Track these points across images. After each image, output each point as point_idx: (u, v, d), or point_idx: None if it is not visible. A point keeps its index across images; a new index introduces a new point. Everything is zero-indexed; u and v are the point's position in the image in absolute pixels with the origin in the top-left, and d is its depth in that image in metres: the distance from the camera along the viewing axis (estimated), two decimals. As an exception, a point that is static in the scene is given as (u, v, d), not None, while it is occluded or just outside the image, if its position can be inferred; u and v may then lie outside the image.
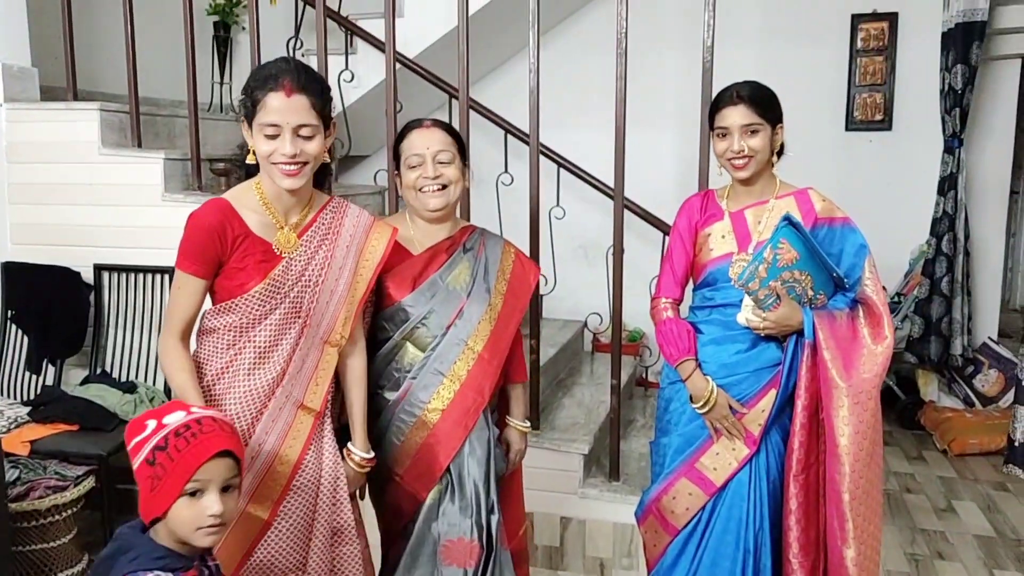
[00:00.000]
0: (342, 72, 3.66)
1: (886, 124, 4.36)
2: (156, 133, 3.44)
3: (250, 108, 1.62)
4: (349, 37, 3.94)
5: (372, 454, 1.84)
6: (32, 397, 3.02)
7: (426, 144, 1.90)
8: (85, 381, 3.01)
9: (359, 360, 1.84)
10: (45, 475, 2.56)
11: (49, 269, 3.11)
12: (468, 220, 2.81)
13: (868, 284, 1.96)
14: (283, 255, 1.67)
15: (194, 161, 3.14)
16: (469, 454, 1.87)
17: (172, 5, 3.19)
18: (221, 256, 1.63)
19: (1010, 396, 3.97)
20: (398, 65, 3.09)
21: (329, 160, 1.73)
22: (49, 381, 3.12)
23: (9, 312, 3.11)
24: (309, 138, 1.62)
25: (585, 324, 4.27)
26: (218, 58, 4.43)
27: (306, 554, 1.71)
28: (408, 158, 1.91)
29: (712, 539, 2.04)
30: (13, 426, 2.74)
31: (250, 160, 1.67)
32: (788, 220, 1.87)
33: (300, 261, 1.69)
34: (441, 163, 1.90)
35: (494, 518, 1.87)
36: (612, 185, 2.90)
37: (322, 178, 1.79)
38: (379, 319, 1.92)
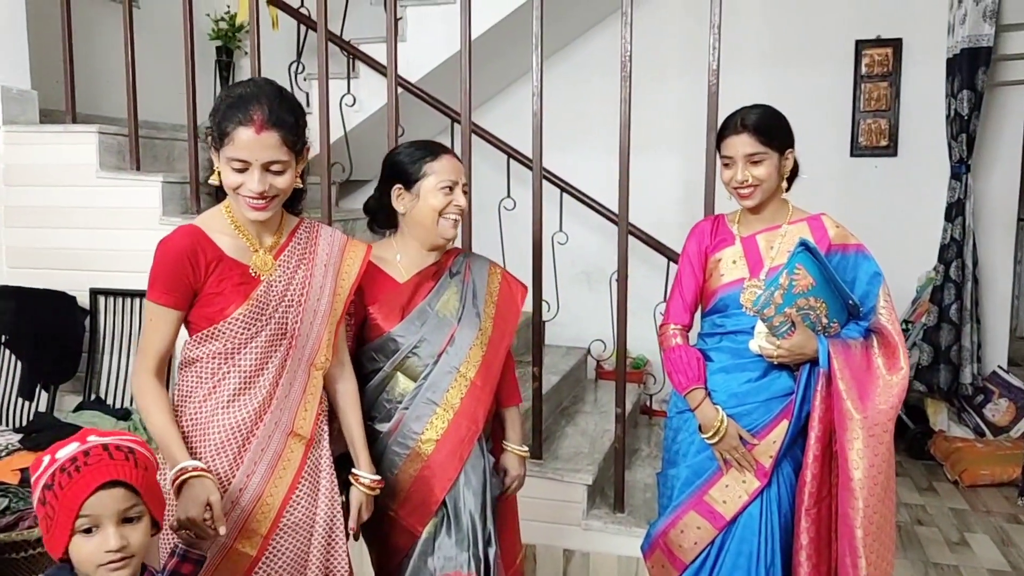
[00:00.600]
0: (344, 96, 3.66)
1: (891, 150, 4.33)
2: (155, 156, 3.41)
3: (217, 138, 1.53)
4: (351, 61, 3.93)
5: (379, 476, 1.78)
6: (24, 424, 2.96)
7: (459, 173, 1.89)
8: (79, 408, 2.96)
9: (350, 383, 1.78)
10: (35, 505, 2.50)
11: (44, 293, 3.06)
12: (471, 245, 2.78)
13: (883, 313, 1.91)
14: (261, 277, 1.60)
15: (193, 184, 3.11)
16: (464, 484, 1.81)
17: (174, 29, 3.18)
18: (195, 284, 1.55)
19: (1022, 426, 3.90)
20: (400, 89, 3.07)
21: (301, 185, 1.65)
22: (42, 407, 3.06)
23: (3, 337, 3.06)
24: (279, 174, 1.54)
25: (588, 351, 4.22)
26: (220, 82, 4.44)
27: None
28: (442, 180, 1.85)
29: (722, 574, 1.97)
30: (4, 454, 2.68)
31: (213, 181, 1.59)
32: (805, 245, 1.83)
33: (280, 282, 1.63)
34: (465, 194, 1.90)
35: (491, 550, 1.81)
36: (616, 210, 2.87)
37: (295, 202, 1.70)
38: (368, 350, 1.86)
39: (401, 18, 3.94)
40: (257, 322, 1.58)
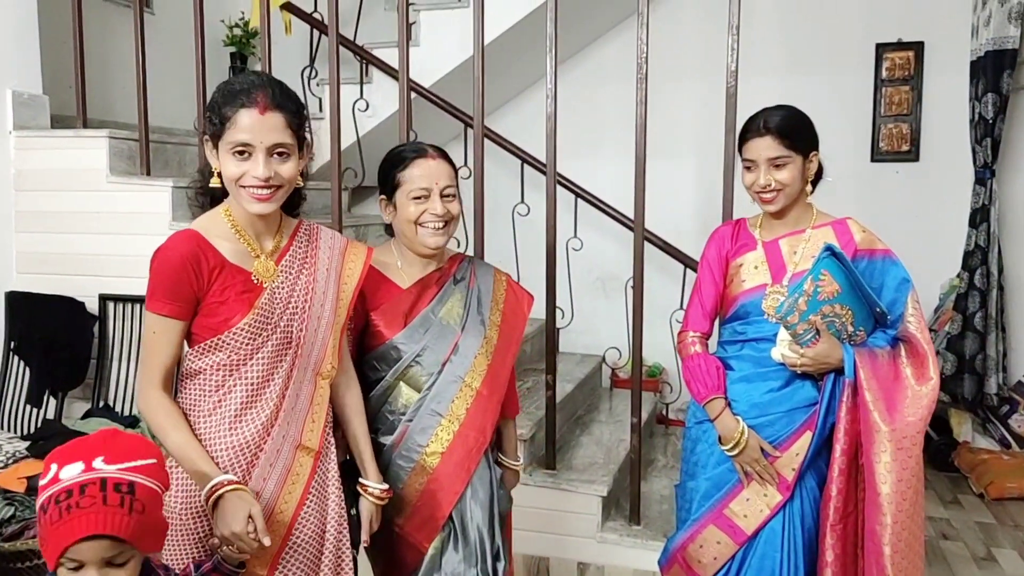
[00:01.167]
0: (356, 101, 3.63)
1: (913, 155, 4.25)
2: (166, 162, 3.40)
3: (217, 125, 1.47)
4: (364, 66, 3.91)
5: (387, 485, 1.73)
6: (32, 431, 2.94)
7: (435, 177, 1.78)
8: (87, 415, 2.94)
9: (355, 392, 1.73)
10: (40, 514, 2.47)
11: (53, 299, 3.05)
12: (483, 251, 2.73)
13: (911, 321, 1.85)
14: (264, 284, 1.54)
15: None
16: (472, 497, 1.76)
17: (187, 35, 3.17)
18: (198, 292, 1.48)
19: (1049, 438, 3.80)
20: (413, 94, 3.03)
21: (302, 184, 1.60)
22: (50, 414, 3.04)
23: (11, 343, 3.04)
24: (284, 160, 1.49)
25: (603, 359, 4.16)
26: (233, 88, 4.42)
27: None
28: (412, 190, 1.77)
29: (743, 591, 1.91)
30: (11, 461, 2.65)
31: (214, 183, 1.53)
32: (831, 251, 1.76)
33: (284, 289, 1.56)
34: (446, 197, 1.79)
35: (500, 565, 1.76)
36: (631, 216, 2.82)
37: (294, 204, 1.66)
38: (370, 359, 1.80)
39: (414, 22, 3.92)
40: (263, 332, 1.52)
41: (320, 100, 4.04)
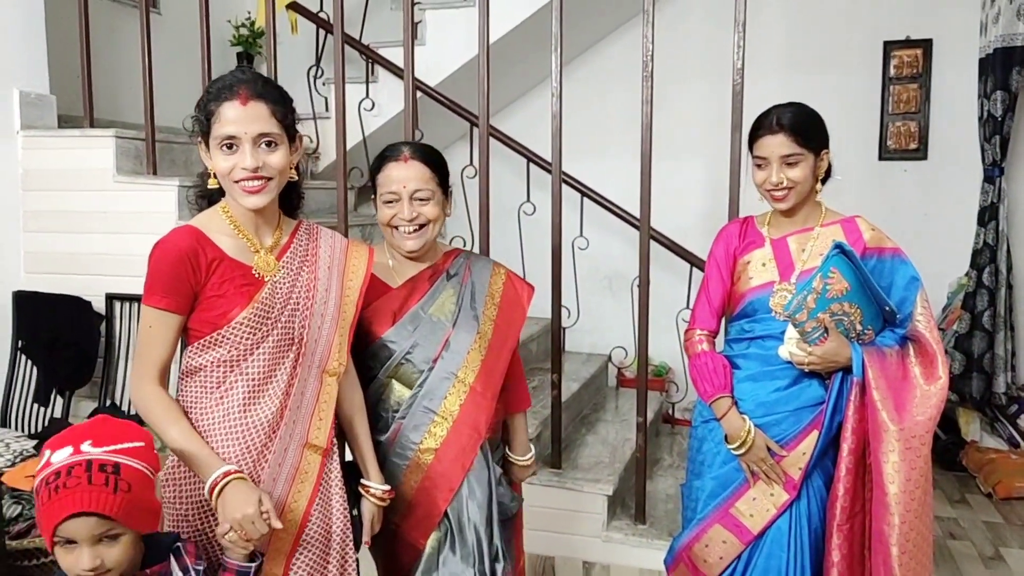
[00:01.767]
0: (362, 100, 3.62)
1: (921, 153, 4.23)
2: (172, 161, 3.40)
3: (204, 123, 1.48)
4: (370, 65, 3.91)
5: (389, 486, 1.72)
6: (39, 430, 2.95)
7: (403, 180, 1.74)
8: (94, 414, 2.94)
9: (356, 391, 1.72)
10: (47, 512, 2.48)
11: (60, 298, 3.06)
12: (489, 251, 2.72)
13: (920, 320, 1.83)
14: (265, 278, 1.53)
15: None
16: (469, 496, 1.74)
17: (193, 34, 3.18)
18: (196, 285, 1.47)
19: (1058, 437, 3.78)
20: (419, 93, 3.03)
21: (297, 179, 1.60)
22: (57, 413, 3.05)
23: (19, 342, 3.05)
24: (272, 149, 1.49)
25: (609, 358, 4.15)
26: (239, 88, 4.42)
27: None
28: (383, 194, 1.77)
29: (749, 591, 1.90)
30: (18, 459, 2.66)
31: (212, 184, 1.54)
32: (840, 248, 1.75)
33: (284, 284, 1.56)
34: (419, 200, 1.75)
35: (499, 566, 1.73)
36: (637, 215, 2.81)
37: (293, 205, 1.66)
38: (363, 359, 1.79)
39: (420, 21, 3.92)
40: (263, 326, 1.51)
41: (326, 99, 4.04)
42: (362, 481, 1.72)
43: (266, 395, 1.51)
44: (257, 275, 1.53)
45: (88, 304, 3.07)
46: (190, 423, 1.47)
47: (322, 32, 3.93)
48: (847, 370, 1.80)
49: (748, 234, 1.98)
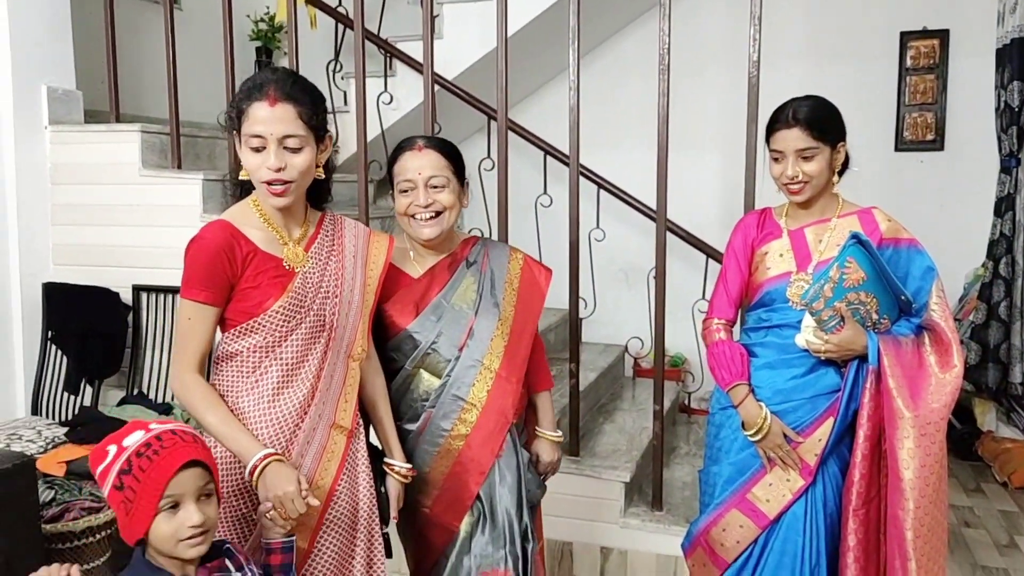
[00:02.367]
0: (381, 94, 3.67)
1: (938, 144, 4.22)
2: (197, 154, 3.46)
3: (235, 120, 1.54)
4: (388, 59, 3.94)
5: (410, 464, 1.78)
6: (70, 418, 3.02)
7: (418, 168, 1.78)
8: (122, 402, 3.00)
9: (378, 375, 1.78)
10: (80, 496, 2.54)
11: (88, 290, 3.12)
12: (507, 242, 2.76)
13: (935, 310, 1.86)
14: (295, 269, 1.59)
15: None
16: (500, 482, 1.79)
17: (214, 30, 3.22)
18: (232, 278, 1.54)
19: (1074, 427, 3.78)
20: (437, 87, 3.07)
21: (324, 177, 1.64)
22: (87, 402, 3.12)
23: (49, 332, 3.12)
24: (296, 151, 1.53)
25: (626, 348, 4.18)
26: (259, 82, 4.47)
27: None
28: (399, 183, 1.80)
29: (765, 574, 1.93)
30: (50, 446, 2.73)
31: (243, 176, 1.59)
32: (857, 239, 1.77)
33: (314, 274, 1.62)
34: (434, 188, 1.78)
35: (529, 546, 1.78)
36: (654, 207, 2.83)
37: (320, 199, 1.70)
38: (387, 350, 1.83)
39: (438, 15, 3.95)
40: (296, 314, 1.57)
41: (344, 93, 4.08)
42: (386, 460, 1.77)
43: (298, 379, 1.58)
44: (288, 266, 1.59)
45: (116, 295, 3.13)
46: (228, 408, 1.53)
47: (340, 26, 3.97)
48: (863, 358, 1.83)
49: (766, 225, 2.01)
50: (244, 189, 1.66)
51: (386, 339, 1.83)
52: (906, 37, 4.21)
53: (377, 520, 1.71)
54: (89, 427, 2.78)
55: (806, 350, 1.88)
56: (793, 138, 1.87)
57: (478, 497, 1.78)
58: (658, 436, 2.81)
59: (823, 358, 1.87)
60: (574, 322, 2.90)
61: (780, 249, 1.96)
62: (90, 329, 3.08)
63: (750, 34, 2.54)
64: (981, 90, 4.05)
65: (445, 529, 1.80)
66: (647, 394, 3.39)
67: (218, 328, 1.60)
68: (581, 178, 2.89)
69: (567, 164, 2.88)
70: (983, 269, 4.04)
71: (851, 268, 1.76)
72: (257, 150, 1.52)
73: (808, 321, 1.85)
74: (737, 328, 2.06)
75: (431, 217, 1.80)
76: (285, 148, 1.51)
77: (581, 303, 2.98)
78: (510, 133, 2.92)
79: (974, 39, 4.09)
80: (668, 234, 2.82)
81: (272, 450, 1.50)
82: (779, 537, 1.92)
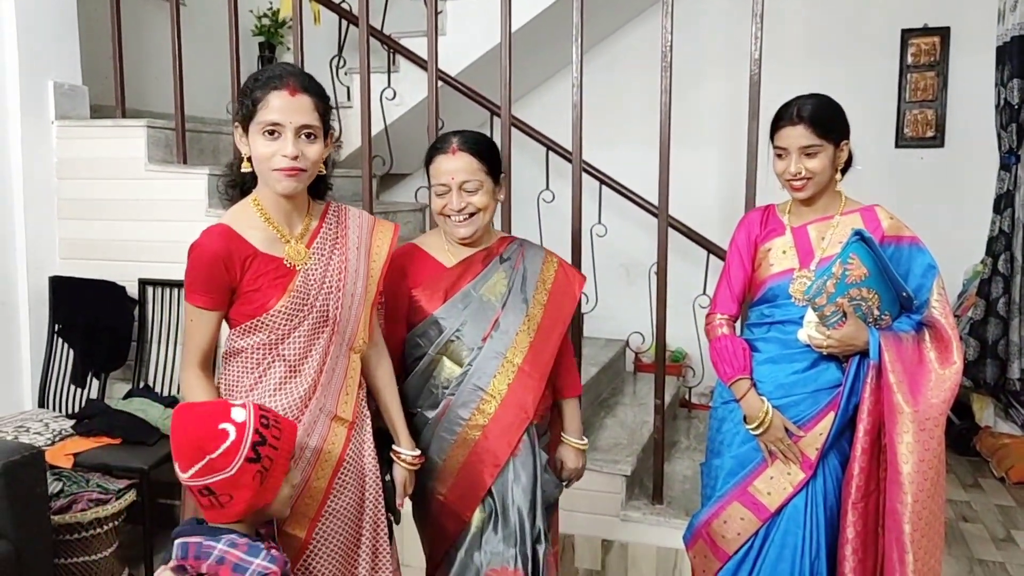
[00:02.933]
0: (384, 90, 3.68)
1: (938, 141, 4.24)
2: (201, 149, 3.48)
3: (249, 108, 1.55)
4: (391, 55, 3.96)
5: (419, 451, 1.81)
6: (76, 410, 3.05)
7: (451, 172, 1.81)
8: (128, 395, 3.03)
9: (386, 364, 1.81)
10: (87, 488, 2.57)
11: (95, 283, 3.14)
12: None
13: (936, 307, 1.88)
14: (296, 267, 1.61)
15: (237, 177, 3.16)
16: (514, 481, 1.79)
17: (218, 26, 3.24)
18: (231, 283, 1.57)
19: (1072, 423, 3.81)
20: (440, 83, 3.08)
21: (325, 172, 1.67)
22: (93, 395, 3.14)
23: (56, 326, 3.14)
24: (310, 141, 1.56)
25: (627, 343, 4.21)
26: (262, 77, 4.49)
27: None
28: (435, 185, 1.85)
29: (765, 566, 1.96)
30: (57, 439, 2.76)
31: (245, 168, 1.61)
32: (859, 235, 1.80)
33: (317, 270, 1.64)
34: (467, 191, 1.82)
35: (541, 548, 1.78)
36: (655, 202, 2.85)
37: (320, 193, 1.73)
38: (412, 336, 1.86)
39: (441, 12, 3.96)
40: (299, 312, 1.60)
41: (348, 89, 4.10)
42: (393, 447, 1.79)
43: (301, 373, 1.61)
44: (288, 265, 1.61)
45: (122, 289, 3.15)
46: None
47: (344, 22, 3.98)
48: (864, 354, 1.85)
49: (769, 222, 2.03)
50: (242, 191, 1.68)
51: (412, 325, 1.86)
52: (907, 34, 4.23)
53: (383, 509, 1.74)
54: (96, 420, 2.82)
55: (808, 345, 1.90)
56: (797, 135, 1.89)
57: (490, 493, 1.79)
58: (659, 430, 2.84)
59: (825, 353, 1.90)
60: (576, 317, 2.92)
61: (783, 246, 1.98)
62: (96, 323, 3.11)
63: (751, 32, 2.56)
64: (981, 87, 4.07)
65: (458, 518, 1.82)
66: (648, 389, 3.41)
67: (226, 323, 1.63)
68: (583, 173, 2.91)
69: (569, 160, 2.89)
70: (982, 265, 4.06)
71: (853, 264, 1.79)
72: (272, 137, 1.54)
73: (810, 317, 1.87)
74: (739, 324, 2.09)
75: (465, 219, 1.84)
76: (300, 137, 1.55)
77: (583, 298, 2.99)
78: (513, 128, 2.94)
79: (974, 37, 4.11)
80: (669, 230, 2.84)
81: None
82: (780, 530, 1.94)
